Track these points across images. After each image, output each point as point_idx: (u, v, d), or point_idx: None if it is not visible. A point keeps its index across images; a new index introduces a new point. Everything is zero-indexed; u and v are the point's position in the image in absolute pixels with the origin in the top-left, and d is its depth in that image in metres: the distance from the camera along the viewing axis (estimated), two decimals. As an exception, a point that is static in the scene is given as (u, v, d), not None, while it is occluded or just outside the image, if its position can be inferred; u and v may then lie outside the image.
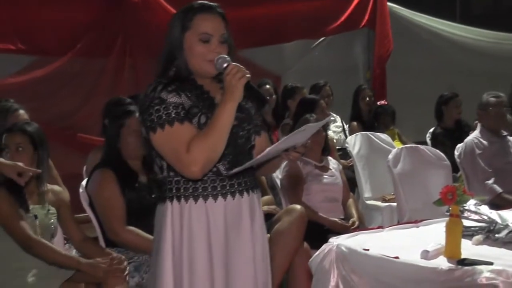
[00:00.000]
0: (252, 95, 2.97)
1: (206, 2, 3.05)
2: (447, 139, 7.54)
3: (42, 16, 7.19)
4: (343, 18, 9.48)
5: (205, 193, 3.01)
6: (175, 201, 3.02)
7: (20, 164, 3.89)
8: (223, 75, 2.93)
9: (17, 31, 7.13)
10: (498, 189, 6.06)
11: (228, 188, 3.04)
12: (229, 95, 2.88)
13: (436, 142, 7.56)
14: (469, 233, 3.84)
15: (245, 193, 3.09)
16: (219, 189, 3.02)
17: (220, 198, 3.02)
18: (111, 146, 4.55)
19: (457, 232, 3.53)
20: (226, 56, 2.97)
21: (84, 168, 5.71)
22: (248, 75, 2.89)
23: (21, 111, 5.35)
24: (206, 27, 2.98)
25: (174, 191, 3.03)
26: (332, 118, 7.75)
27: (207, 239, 3.00)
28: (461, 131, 7.62)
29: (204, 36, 2.97)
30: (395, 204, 6.11)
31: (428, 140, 7.80)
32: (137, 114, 4.45)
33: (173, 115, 2.90)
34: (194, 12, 3.00)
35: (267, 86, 7.55)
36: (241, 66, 2.91)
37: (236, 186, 3.06)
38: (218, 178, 3.02)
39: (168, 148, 2.93)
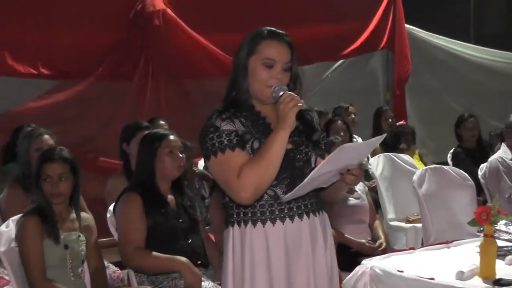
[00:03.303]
0: (303, 124, 2.97)
1: (275, 29, 3.08)
2: (467, 158, 7.53)
3: (63, 40, 7.22)
4: (362, 40, 9.58)
5: (263, 217, 3.03)
6: (236, 225, 3.08)
7: None
8: (277, 103, 2.95)
9: (39, 55, 7.17)
10: None
11: (286, 211, 3.05)
12: (281, 123, 2.90)
13: (457, 161, 7.55)
14: (501, 253, 3.84)
15: (305, 216, 3.09)
16: (277, 213, 3.04)
17: (278, 222, 3.04)
18: (143, 169, 4.54)
19: (492, 252, 3.53)
20: (284, 85, 3.00)
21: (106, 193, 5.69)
22: (301, 104, 2.90)
23: (46, 136, 5.35)
24: (271, 52, 3.01)
25: (235, 216, 3.08)
26: (354, 140, 7.73)
27: (267, 263, 3.02)
28: (483, 151, 7.61)
29: (268, 61, 3.00)
30: (419, 224, 6.10)
31: (449, 160, 7.79)
32: (171, 136, 4.51)
33: (226, 143, 2.94)
34: (262, 38, 3.04)
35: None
36: (296, 96, 2.93)
37: (295, 210, 3.07)
38: (276, 202, 3.03)
39: (220, 175, 2.98)
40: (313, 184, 3.00)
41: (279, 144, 2.89)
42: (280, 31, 3.07)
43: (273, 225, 3.03)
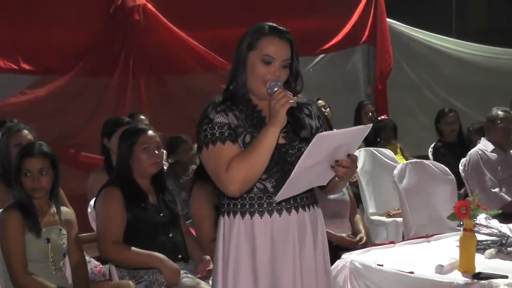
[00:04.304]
0: (293, 121, 2.97)
1: (277, 25, 3.09)
2: (448, 153, 7.57)
3: (44, 36, 7.19)
4: (343, 35, 9.57)
5: (252, 210, 3.08)
6: (226, 216, 3.13)
7: None
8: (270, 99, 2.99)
9: (20, 50, 7.14)
10: (507, 197, 6.10)
11: (274, 205, 3.08)
12: (272, 119, 2.94)
13: (438, 155, 7.59)
14: (481, 247, 3.87)
15: (293, 211, 3.11)
16: (265, 206, 3.07)
17: (265, 215, 3.07)
18: (122, 164, 4.54)
19: (471, 246, 3.56)
20: (279, 82, 3.02)
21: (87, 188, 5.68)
22: (292, 101, 2.93)
23: (25, 131, 5.34)
24: (270, 49, 3.02)
25: (225, 206, 3.13)
26: (335, 135, 7.72)
27: (252, 255, 3.06)
28: (463, 145, 7.64)
29: (266, 58, 3.02)
30: (400, 219, 6.12)
31: (430, 154, 7.82)
32: (148, 132, 4.50)
33: (217, 135, 3.00)
34: (263, 34, 3.05)
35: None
36: (289, 93, 2.96)
37: (283, 204, 3.09)
38: (265, 195, 3.07)
39: (210, 166, 3.04)
40: (307, 181, 3.03)
41: (268, 140, 2.93)
42: (282, 28, 3.08)
43: (261, 218, 3.07)
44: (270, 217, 3.07)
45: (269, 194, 3.06)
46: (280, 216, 3.08)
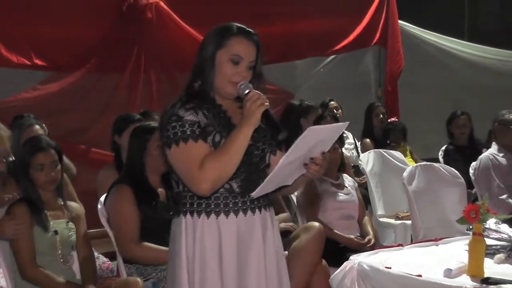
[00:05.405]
0: (268, 123, 3.03)
1: (244, 26, 3.12)
2: (459, 156, 7.54)
3: (57, 32, 7.21)
4: (354, 36, 9.57)
5: (217, 210, 3.08)
6: (188, 215, 3.10)
7: None
8: (243, 100, 3.00)
9: (33, 46, 7.14)
10: None
11: (240, 205, 3.11)
12: (247, 120, 2.95)
13: (449, 159, 7.56)
14: (490, 251, 3.85)
15: (257, 211, 3.15)
16: (231, 205, 3.09)
17: (231, 215, 3.09)
18: (133, 161, 4.56)
19: (480, 250, 3.54)
20: (249, 83, 3.05)
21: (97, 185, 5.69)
22: (267, 104, 2.96)
23: (36, 126, 5.37)
24: (239, 49, 3.05)
25: (188, 205, 3.11)
26: (345, 135, 7.71)
27: (218, 255, 3.07)
28: (474, 149, 7.60)
29: (235, 58, 3.05)
30: (408, 221, 6.12)
31: (440, 157, 7.79)
32: None
33: (188, 133, 2.98)
34: (232, 33, 3.08)
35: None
36: (262, 95, 2.98)
37: (248, 204, 3.12)
38: (230, 195, 3.09)
39: (181, 164, 3.01)
40: (280, 179, 3.05)
41: (242, 140, 2.95)
42: (250, 30, 3.12)
43: (226, 218, 3.09)
44: (236, 216, 3.10)
45: (234, 194, 3.09)
46: (245, 216, 3.12)
